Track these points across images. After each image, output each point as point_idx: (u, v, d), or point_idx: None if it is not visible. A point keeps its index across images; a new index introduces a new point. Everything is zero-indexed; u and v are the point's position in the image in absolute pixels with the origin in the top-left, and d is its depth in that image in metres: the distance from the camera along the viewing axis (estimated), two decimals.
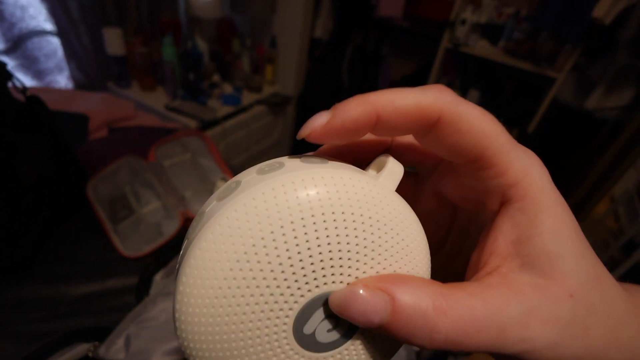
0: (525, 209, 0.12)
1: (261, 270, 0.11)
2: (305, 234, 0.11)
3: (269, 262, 0.11)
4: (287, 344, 0.12)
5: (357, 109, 0.12)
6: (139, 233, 0.71)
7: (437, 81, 1.63)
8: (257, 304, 0.11)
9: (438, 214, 0.17)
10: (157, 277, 0.57)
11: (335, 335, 0.12)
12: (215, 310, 0.11)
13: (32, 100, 0.62)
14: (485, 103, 1.58)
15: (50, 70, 1.20)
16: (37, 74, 1.17)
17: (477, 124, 0.12)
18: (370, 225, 0.11)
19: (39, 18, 1.11)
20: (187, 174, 0.81)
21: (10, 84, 0.58)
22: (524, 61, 1.34)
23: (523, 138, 1.46)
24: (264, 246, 0.11)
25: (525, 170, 0.12)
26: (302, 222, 0.11)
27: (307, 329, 0.12)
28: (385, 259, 0.12)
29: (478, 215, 0.14)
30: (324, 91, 1.70)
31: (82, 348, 0.45)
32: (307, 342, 0.12)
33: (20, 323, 0.52)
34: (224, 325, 0.11)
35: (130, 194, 0.73)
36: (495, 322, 0.11)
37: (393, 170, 0.13)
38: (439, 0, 1.46)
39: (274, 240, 0.11)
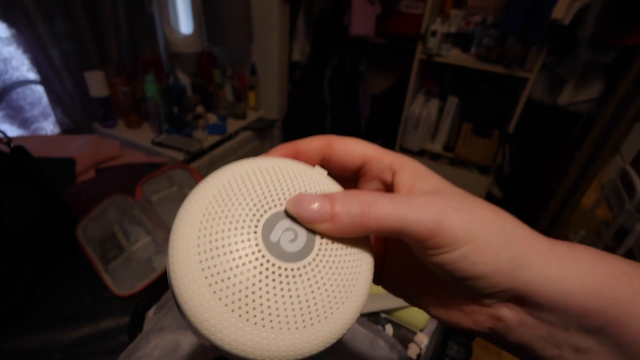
0: (406, 172, 0.18)
1: (234, 195, 0.16)
2: (256, 176, 0.17)
3: (240, 189, 0.16)
4: (260, 250, 0.15)
5: (283, 147, 0.20)
6: (130, 270, 0.71)
7: (417, 91, 1.68)
8: (231, 222, 0.15)
9: None
10: (150, 314, 0.57)
11: (297, 246, 0.16)
12: (204, 218, 0.15)
13: (17, 151, 0.63)
14: (465, 107, 1.63)
15: (35, 117, 1.22)
16: (23, 122, 1.19)
17: (354, 141, 0.20)
18: (305, 176, 0.18)
19: (22, 69, 1.14)
20: (175, 206, 0.82)
21: None
22: (496, 65, 1.39)
23: (505, 138, 1.50)
24: (242, 179, 0.17)
25: (395, 155, 0.19)
26: (258, 171, 0.17)
27: (273, 237, 0.16)
28: None
29: None
30: (307, 111, 1.74)
31: None
32: (275, 249, 0.15)
33: None
34: (207, 234, 0.15)
35: (120, 233, 0.74)
36: (403, 197, 0.16)
37: (320, 169, 0.20)
38: (408, 15, 1.52)
39: (242, 179, 0.17)
